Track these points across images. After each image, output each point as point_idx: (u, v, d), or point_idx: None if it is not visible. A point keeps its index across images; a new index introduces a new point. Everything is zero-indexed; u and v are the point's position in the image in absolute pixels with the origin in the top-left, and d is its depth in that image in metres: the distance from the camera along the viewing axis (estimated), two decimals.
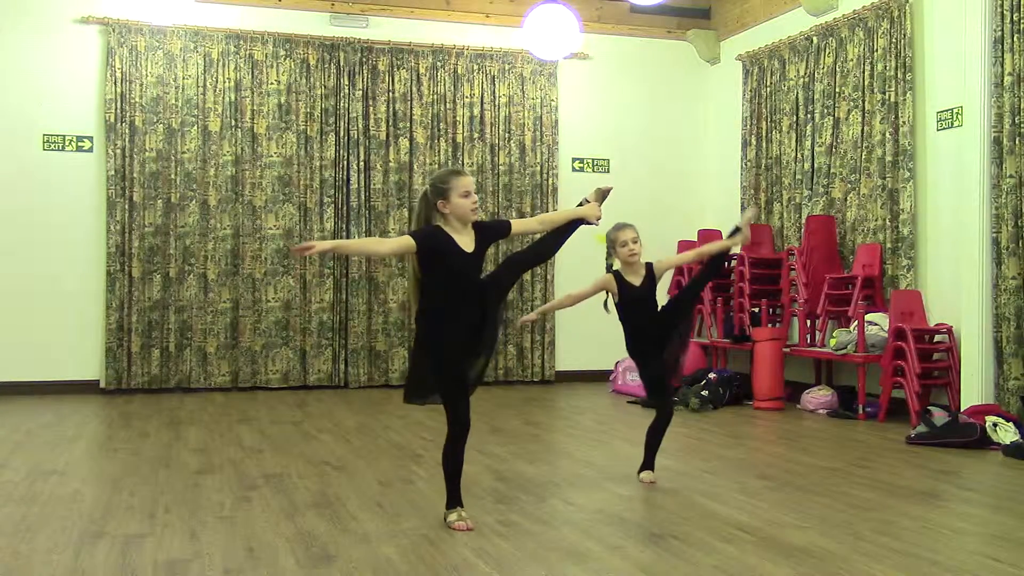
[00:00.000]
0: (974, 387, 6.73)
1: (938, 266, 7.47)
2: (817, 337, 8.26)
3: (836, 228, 8.31)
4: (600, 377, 9.61)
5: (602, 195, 4.65)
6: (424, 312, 4.18)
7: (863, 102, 8.08)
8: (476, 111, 9.80)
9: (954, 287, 7.15)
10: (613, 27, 10.25)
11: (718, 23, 10.43)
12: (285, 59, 9.33)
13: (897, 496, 4.80)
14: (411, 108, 9.63)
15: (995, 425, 6.17)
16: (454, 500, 4.20)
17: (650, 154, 10.33)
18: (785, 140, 9.05)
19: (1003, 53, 6.67)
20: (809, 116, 8.71)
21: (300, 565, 3.60)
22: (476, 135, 9.80)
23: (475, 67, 9.81)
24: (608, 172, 10.24)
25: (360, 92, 9.49)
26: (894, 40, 7.79)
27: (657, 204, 9.79)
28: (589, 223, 4.57)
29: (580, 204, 4.63)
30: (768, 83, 9.33)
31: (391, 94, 9.59)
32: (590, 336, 9.41)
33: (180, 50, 9.08)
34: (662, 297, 5.19)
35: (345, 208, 9.42)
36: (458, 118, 9.75)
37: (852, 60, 8.21)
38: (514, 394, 8.96)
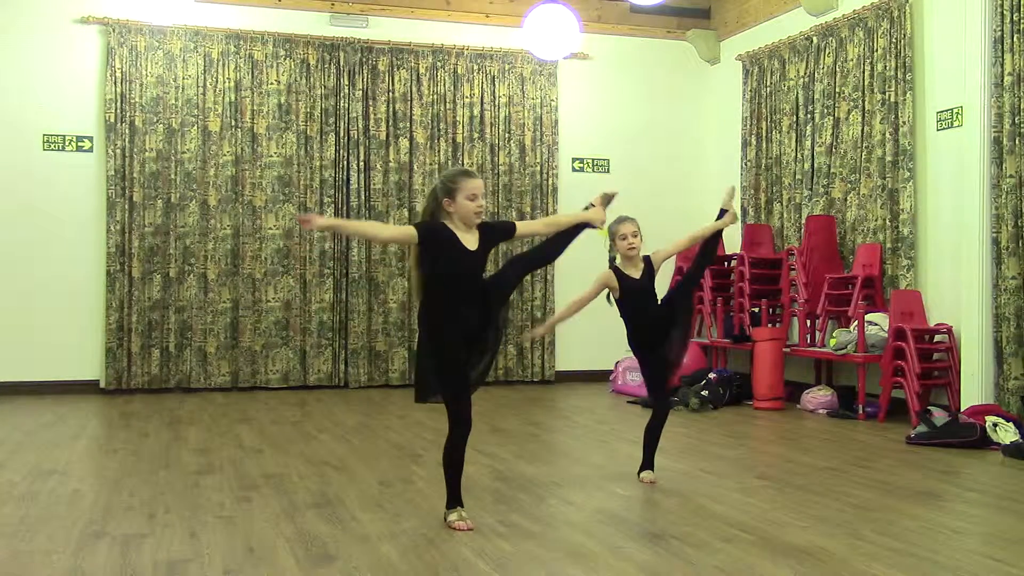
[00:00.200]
0: (974, 387, 6.73)
1: (938, 266, 7.47)
2: (817, 337, 8.26)
3: (836, 228, 8.31)
4: (600, 377, 9.61)
5: (607, 199, 4.66)
6: (425, 310, 4.17)
7: (863, 102, 8.08)
8: (476, 111, 9.80)
9: (954, 287, 7.15)
10: (613, 27, 10.26)
11: (718, 23, 10.43)
12: (285, 59, 9.34)
13: (897, 496, 4.80)
14: (411, 108, 9.63)
15: (995, 425, 6.17)
16: (454, 500, 4.20)
17: (650, 154, 10.33)
18: (785, 140, 9.05)
19: (1003, 53, 6.67)
20: (809, 116, 8.71)
21: (300, 565, 3.59)
22: (476, 135, 9.81)
23: (475, 67, 9.81)
24: (608, 172, 10.25)
25: (360, 92, 9.49)
26: (894, 40, 7.79)
27: (657, 204, 9.77)
28: (593, 227, 4.59)
29: (586, 208, 4.64)
30: (768, 83, 9.33)
31: (391, 94, 9.59)
32: (590, 336, 9.41)
33: (180, 50, 9.08)
34: (663, 290, 5.22)
35: (345, 208, 9.42)
36: (458, 118, 9.75)
37: (852, 60, 8.21)
38: (514, 394, 8.97)
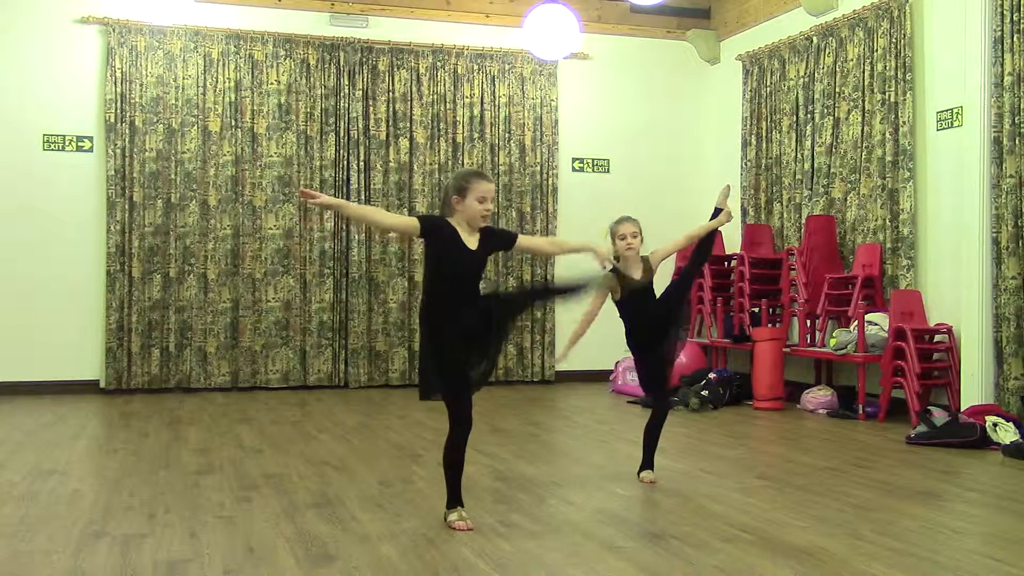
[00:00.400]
0: (974, 387, 6.73)
1: (938, 266, 7.47)
2: (817, 337, 8.26)
3: (836, 228, 8.31)
4: (600, 377, 9.61)
5: (611, 259, 4.68)
6: (426, 310, 4.19)
7: (863, 102, 8.08)
8: (476, 111, 9.80)
9: (954, 287, 7.15)
10: (613, 27, 10.26)
11: (718, 23, 10.43)
12: (285, 59, 9.34)
13: (897, 496, 4.80)
14: (411, 108, 9.63)
15: (995, 425, 6.17)
16: (454, 500, 4.20)
17: (650, 154, 10.33)
18: (785, 140, 9.05)
19: (1003, 53, 6.67)
20: (809, 116, 8.71)
21: (300, 565, 3.59)
22: (476, 135, 9.80)
23: (475, 67, 9.81)
24: (608, 172, 10.25)
25: (360, 92, 9.49)
26: (894, 40, 7.79)
27: (657, 204, 9.77)
28: (600, 259, 4.61)
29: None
30: (768, 83, 9.33)
31: (391, 94, 9.59)
32: (590, 336, 9.29)
33: (180, 50, 9.08)
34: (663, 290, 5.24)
35: None
36: (458, 118, 9.75)
37: (852, 60, 8.21)
38: (514, 394, 8.96)
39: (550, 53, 8.87)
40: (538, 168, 9.94)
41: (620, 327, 5.09)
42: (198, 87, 9.12)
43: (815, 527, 4.17)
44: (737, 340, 8.77)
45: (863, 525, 4.20)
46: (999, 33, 6.70)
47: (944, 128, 7.46)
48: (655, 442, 5.14)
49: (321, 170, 9.37)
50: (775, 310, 8.80)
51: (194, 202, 9.09)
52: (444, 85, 9.73)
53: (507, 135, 9.88)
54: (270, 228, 9.26)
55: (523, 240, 4.47)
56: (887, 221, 7.80)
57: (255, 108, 9.27)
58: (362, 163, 9.45)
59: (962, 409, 6.65)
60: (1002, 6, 6.68)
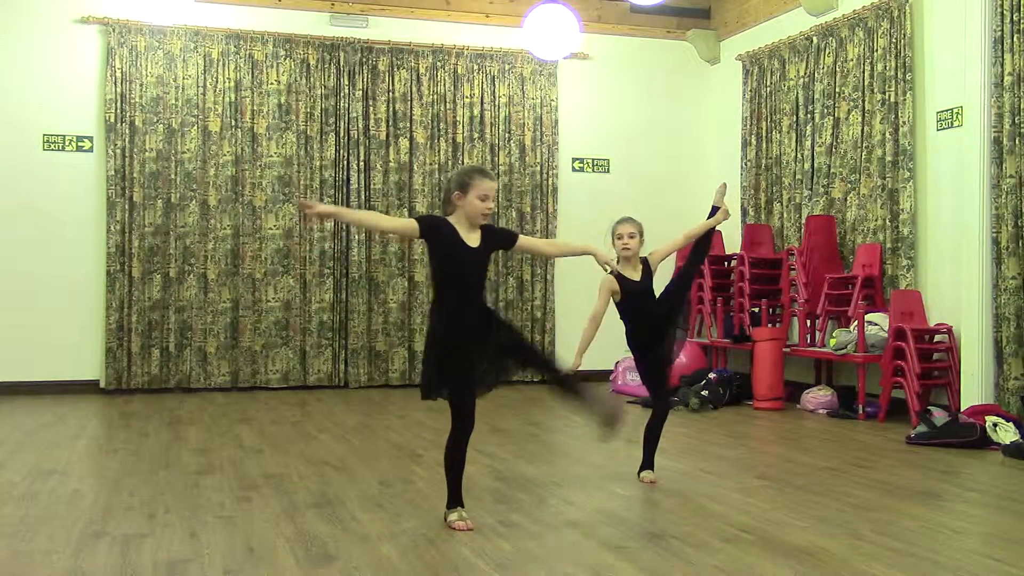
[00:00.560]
0: (974, 387, 6.73)
1: (938, 266, 7.47)
2: (817, 337, 8.26)
3: (836, 228, 8.31)
4: (600, 377, 9.60)
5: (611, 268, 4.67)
6: (433, 308, 4.21)
7: (863, 102, 8.08)
8: (476, 111, 9.80)
9: (954, 287, 7.15)
10: (613, 27, 10.26)
11: (718, 23, 10.43)
12: (285, 59, 9.34)
13: (897, 496, 4.80)
14: (411, 108, 9.63)
15: (995, 425, 6.17)
16: (455, 499, 4.19)
17: (650, 154, 10.33)
18: (785, 140, 9.05)
19: (1003, 53, 6.67)
20: (809, 116, 8.71)
21: (300, 565, 3.59)
22: (476, 135, 9.80)
23: (475, 67, 9.81)
24: (608, 172, 10.25)
25: (360, 92, 9.49)
26: (894, 40, 7.79)
27: (657, 204, 9.76)
28: (600, 262, 4.59)
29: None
30: (768, 83, 9.33)
31: (391, 94, 9.59)
32: None
33: (180, 50, 9.08)
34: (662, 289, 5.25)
35: (345, 208, 9.41)
36: (458, 118, 9.75)
37: (852, 60, 8.21)
38: (514, 394, 8.96)
39: (550, 53, 8.87)
40: (538, 168, 9.94)
41: (620, 327, 5.09)
42: (198, 87, 9.12)
43: (815, 527, 4.17)
44: (737, 340, 8.77)
45: (863, 525, 4.20)
46: (999, 33, 6.70)
47: (944, 128, 7.46)
48: (655, 442, 5.15)
49: (321, 170, 9.37)
50: (775, 310, 8.80)
51: (194, 202, 9.09)
52: (444, 85, 9.73)
53: (507, 135, 9.88)
54: (270, 228, 9.26)
55: (523, 240, 4.47)
56: (887, 221, 7.80)
57: (255, 108, 9.27)
58: (362, 163, 9.45)
59: (962, 409, 6.65)
60: (1002, 6, 6.68)
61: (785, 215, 9.03)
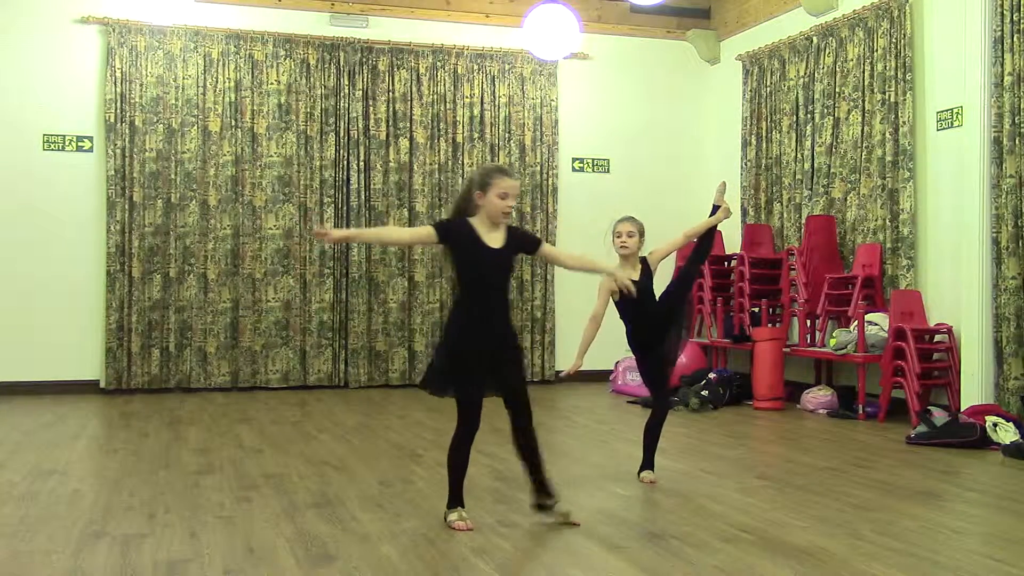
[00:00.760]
0: (974, 387, 6.73)
1: (938, 266, 7.47)
2: (817, 337, 8.26)
3: (836, 228, 8.31)
4: (600, 377, 9.60)
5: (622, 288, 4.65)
6: (452, 306, 4.23)
7: (863, 102, 8.08)
8: (476, 111, 9.80)
9: (954, 287, 7.15)
10: (613, 27, 10.26)
11: (718, 23, 10.43)
12: (285, 59, 9.34)
13: (897, 496, 4.80)
14: (411, 108, 9.63)
15: (995, 425, 6.17)
16: (456, 499, 4.19)
17: (650, 154, 10.33)
18: (785, 140, 9.05)
19: (1003, 53, 6.67)
20: (809, 116, 8.71)
21: (300, 565, 3.59)
22: (476, 135, 9.80)
23: (475, 67, 9.81)
24: (608, 172, 10.25)
25: (360, 92, 9.49)
26: (894, 40, 7.79)
27: (657, 204, 9.76)
28: (619, 285, 4.54)
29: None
30: (768, 83, 9.33)
31: (391, 94, 9.59)
32: None
33: (180, 50, 9.08)
34: (663, 289, 5.24)
35: (345, 208, 9.42)
36: (458, 118, 9.75)
37: (852, 60, 8.21)
38: None
39: (550, 53, 8.87)
40: (538, 168, 9.94)
41: (620, 327, 5.09)
42: (198, 87, 9.12)
43: (815, 527, 4.17)
44: (737, 340, 8.77)
45: (863, 525, 4.20)
46: (999, 33, 6.70)
47: (944, 128, 7.46)
48: (655, 442, 5.15)
49: (321, 170, 9.37)
50: (775, 310, 8.80)
51: (194, 202, 9.09)
52: (444, 85, 9.73)
53: (507, 135, 9.88)
54: (270, 228, 9.26)
55: (546, 248, 4.42)
56: (887, 221, 7.80)
57: (255, 108, 9.27)
58: (362, 163, 9.45)
59: (962, 409, 6.65)
60: (1002, 6, 6.68)
61: (785, 215, 9.03)
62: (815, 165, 8.58)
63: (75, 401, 8.25)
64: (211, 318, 9.09)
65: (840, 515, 4.39)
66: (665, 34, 10.46)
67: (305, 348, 9.32)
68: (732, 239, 9.62)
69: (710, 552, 3.78)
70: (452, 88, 9.76)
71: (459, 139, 9.75)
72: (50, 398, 8.36)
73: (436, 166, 9.64)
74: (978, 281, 6.75)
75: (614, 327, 5.16)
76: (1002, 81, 6.67)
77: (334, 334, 9.38)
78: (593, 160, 10.26)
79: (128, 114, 8.93)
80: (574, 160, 10.19)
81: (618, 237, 5.02)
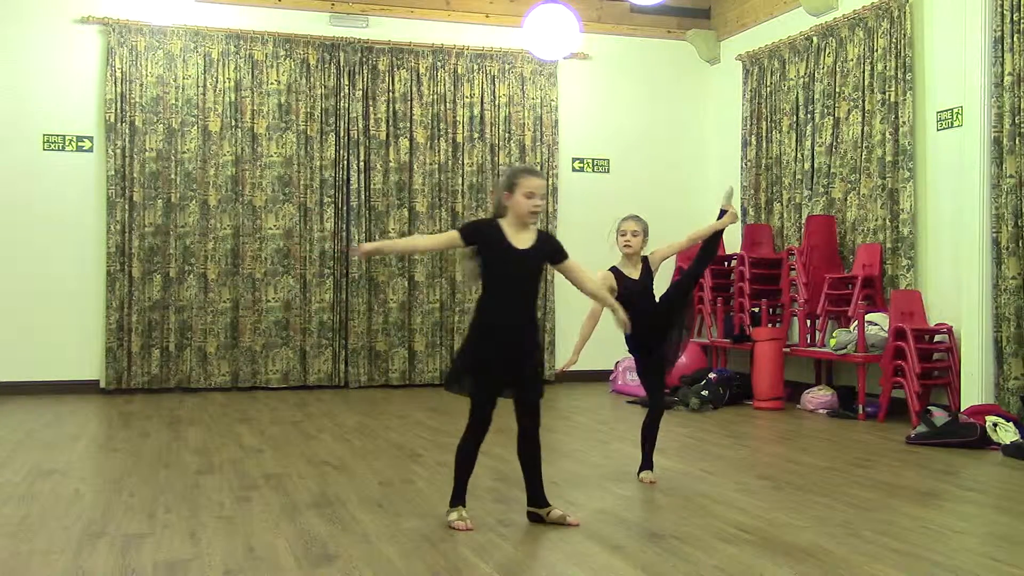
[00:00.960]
0: (974, 387, 6.73)
1: (938, 266, 7.47)
2: (817, 337, 8.26)
3: (836, 228, 8.31)
4: (600, 377, 9.60)
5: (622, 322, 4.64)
6: (479, 305, 4.21)
7: (863, 102, 8.08)
8: (476, 111, 9.80)
9: (954, 287, 7.15)
10: (613, 27, 10.26)
11: (718, 23, 10.43)
12: (285, 59, 9.34)
13: (897, 496, 4.80)
14: (411, 108, 9.63)
15: (995, 425, 6.17)
16: (458, 498, 4.19)
17: (650, 154, 10.33)
18: (785, 140, 9.05)
19: (1003, 53, 6.67)
20: (809, 116, 8.71)
21: (300, 565, 3.59)
22: (476, 135, 9.80)
23: (475, 67, 9.81)
24: (608, 172, 10.25)
25: (360, 92, 9.49)
26: (894, 40, 7.79)
27: (657, 204, 9.74)
28: (617, 321, 4.51)
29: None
30: (768, 83, 9.33)
31: (391, 94, 9.59)
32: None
33: (180, 50, 9.08)
34: (663, 290, 5.24)
35: (345, 208, 9.42)
36: (458, 118, 9.75)
37: (852, 60, 8.21)
38: None
39: (550, 53, 8.87)
40: (538, 168, 9.93)
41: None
42: (198, 87, 9.12)
43: (815, 527, 4.17)
44: (737, 340, 8.77)
45: (863, 525, 4.20)
46: (999, 33, 6.70)
47: (944, 128, 7.46)
48: (653, 442, 5.15)
49: (321, 170, 9.37)
50: (775, 310, 8.80)
51: (194, 202, 9.09)
52: (444, 85, 9.73)
53: (507, 135, 9.88)
54: (270, 228, 9.26)
55: (571, 263, 4.33)
56: (887, 221, 7.80)
57: (255, 108, 9.27)
58: (362, 163, 9.45)
59: (962, 409, 6.65)
60: (1002, 6, 6.68)
61: (785, 215, 9.03)
62: (815, 165, 8.58)
63: (75, 401, 8.25)
64: (211, 318, 9.09)
65: (840, 515, 4.39)
66: (665, 34, 10.46)
67: (305, 348, 9.32)
68: (732, 239, 9.60)
69: (710, 552, 3.78)
70: (452, 88, 9.76)
71: (459, 139, 9.75)
72: (50, 398, 8.36)
73: (436, 166, 9.64)
74: (978, 281, 6.75)
75: (614, 327, 5.15)
76: (1002, 81, 6.67)
77: (334, 334, 9.38)
78: (593, 160, 10.26)
79: (128, 114, 8.93)
80: (574, 160, 10.19)
81: (622, 236, 5.02)
